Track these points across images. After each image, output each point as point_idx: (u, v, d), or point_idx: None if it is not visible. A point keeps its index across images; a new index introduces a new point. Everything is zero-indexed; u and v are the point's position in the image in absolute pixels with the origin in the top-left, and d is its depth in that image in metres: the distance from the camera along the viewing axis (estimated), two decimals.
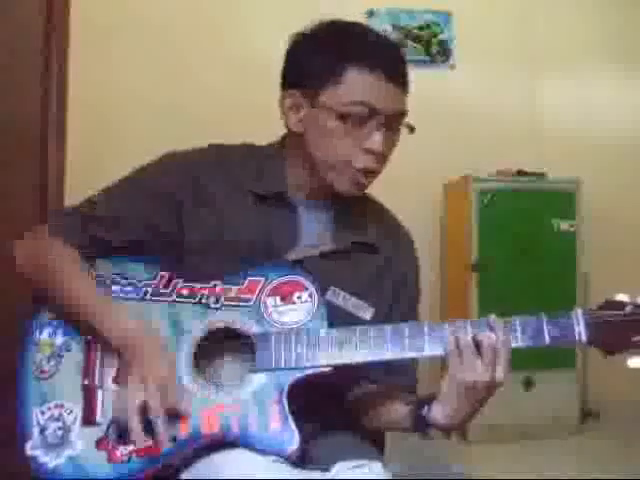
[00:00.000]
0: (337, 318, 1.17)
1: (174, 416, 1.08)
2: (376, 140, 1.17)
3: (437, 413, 1.12)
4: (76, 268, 1.20)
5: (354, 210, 1.29)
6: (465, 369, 1.08)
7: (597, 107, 3.78)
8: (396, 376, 1.25)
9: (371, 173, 1.21)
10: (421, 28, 3.64)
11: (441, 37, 3.66)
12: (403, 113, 1.22)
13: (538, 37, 3.72)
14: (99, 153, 3.17)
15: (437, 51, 3.66)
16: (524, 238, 3.33)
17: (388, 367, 1.23)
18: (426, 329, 1.12)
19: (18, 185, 2.06)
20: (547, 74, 3.76)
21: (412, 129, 1.23)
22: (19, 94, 2.06)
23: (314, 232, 1.26)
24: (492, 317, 1.11)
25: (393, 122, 1.20)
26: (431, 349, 1.11)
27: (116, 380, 1.14)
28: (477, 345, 1.08)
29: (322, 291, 1.17)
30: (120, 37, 3.34)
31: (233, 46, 3.43)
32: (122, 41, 3.34)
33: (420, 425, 1.15)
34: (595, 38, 3.77)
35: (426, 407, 1.14)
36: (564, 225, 3.37)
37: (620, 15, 3.80)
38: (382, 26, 3.55)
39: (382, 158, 1.21)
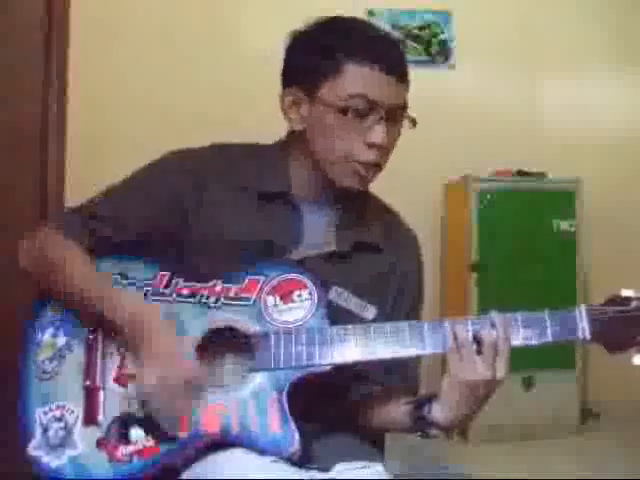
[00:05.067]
0: (339, 318, 1.16)
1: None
2: (378, 134, 1.16)
3: (437, 412, 1.11)
4: (76, 256, 1.19)
5: (358, 210, 1.28)
6: (465, 367, 1.07)
7: (597, 107, 3.77)
8: (397, 377, 1.24)
9: (374, 167, 1.20)
10: (421, 28, 3.64)
11: (441, 37, 3.65)
12: (404, 106, 1.21)
13: (538, 37, 3.72)
14: (99, 153, 3.17)
15: (437, 51, 3.66)
16: (524, 238, 3.32)
17: (389, 368, 1.22)
18: (426, 327, 1.11)
19: (18, 185, 2.06)
20: (547, 74, 3.76)
21: (414, 122, 1.21)
22: (19, 94, 2.06)
23: (317, 232, 1.25)
24: (493, 313, 1.09)
25: (394, 115, 1.19)
26: (433, 347, 1.10)
27: (121, 368, 1.14)
28: (478, 342, 1.07)
29: (324, 291, 1.17)
30: (120, 37, 3.33)
31: (234, 45, 3.42)
32: (122, 41, 3.33)
33: (421, 425, 1.14)
34: (595, 38, 3.77)
35: (427, 406, 1.13)
36: (564, 225, 3.37)
37: (620, 16, 3.79)
38: (382, 26, 3.56)
39: (384, 151, 1.20)
